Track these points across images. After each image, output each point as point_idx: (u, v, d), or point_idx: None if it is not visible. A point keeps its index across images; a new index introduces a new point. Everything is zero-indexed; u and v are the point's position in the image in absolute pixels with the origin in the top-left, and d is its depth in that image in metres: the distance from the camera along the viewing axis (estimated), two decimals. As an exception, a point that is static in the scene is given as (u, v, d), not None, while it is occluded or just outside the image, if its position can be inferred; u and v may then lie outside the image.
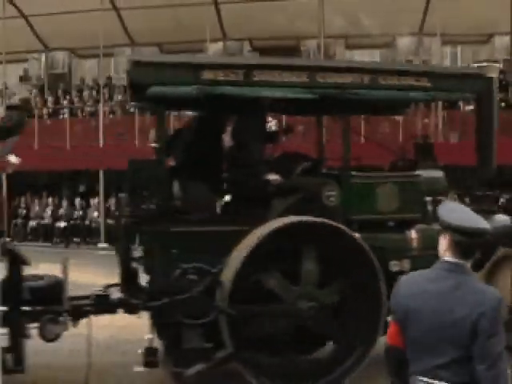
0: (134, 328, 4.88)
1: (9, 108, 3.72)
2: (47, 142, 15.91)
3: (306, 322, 4.12)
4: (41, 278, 4.45)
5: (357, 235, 4.25)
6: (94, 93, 17.50)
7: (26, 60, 20.69)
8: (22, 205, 16.46)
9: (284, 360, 4.16)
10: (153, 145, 4.23)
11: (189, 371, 3.98)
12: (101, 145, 15.36)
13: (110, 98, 17.76)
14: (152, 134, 16.36)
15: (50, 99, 18.25)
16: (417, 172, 4.92)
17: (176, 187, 4.50)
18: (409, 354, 2.28)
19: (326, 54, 17.50)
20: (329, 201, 4.38)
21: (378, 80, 4.43)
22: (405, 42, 19.06)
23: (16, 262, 3.68)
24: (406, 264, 4.65)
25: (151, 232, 4.22)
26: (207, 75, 4.07)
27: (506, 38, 18.29)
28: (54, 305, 4.17)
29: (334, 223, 4.17)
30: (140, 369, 4.34)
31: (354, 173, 4.61)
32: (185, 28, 17.06)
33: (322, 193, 4.38)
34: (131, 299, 4.36)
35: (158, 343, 4.51)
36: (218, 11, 17.24)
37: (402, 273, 4.48)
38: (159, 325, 4.22)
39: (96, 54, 17.33)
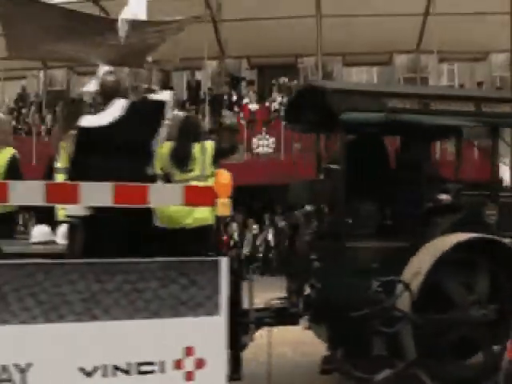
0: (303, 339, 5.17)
1: (224, 129, 3.91)
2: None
3: (479, 328, 4.48)
4: None
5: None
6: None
7: (24, 77, 20.52)
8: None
9: (457, 365, 4.48)
10: (331, 166, 4.50)
11: (378, 376, 4.27)
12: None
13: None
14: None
15: (48, 117, 17.95)
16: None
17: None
18: None
19: (324, 71, 17.61)
20: (489, 219, 4.71)
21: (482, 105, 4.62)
22: (402, 60, 19.07)
23: (237, 276, 3.91)
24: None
25: (337, 248, 4.47)
26: (392, 103, 4.40)
27: (503, 56, 18.07)
28: (240, 316, 4.43)
29: (503, 240, 4.51)
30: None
31: (502, 193, 4.97)
32: (183, 45, 17.10)
33: (483, 211, 4.76)
34: (303, 311, 4.65)
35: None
36: (216, 29, 16.97)
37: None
38: (337, 335, 4.48)
39: (94, 71, 17.03)
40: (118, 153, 3.51)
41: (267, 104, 17.77)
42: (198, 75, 20.21)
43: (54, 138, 4.44)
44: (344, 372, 4.37)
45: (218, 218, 3.51)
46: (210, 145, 4.48)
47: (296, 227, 4.60)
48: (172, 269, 3.56)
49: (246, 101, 17.96)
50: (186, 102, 18.96)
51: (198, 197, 3.62)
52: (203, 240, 4.18)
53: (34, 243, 4.62)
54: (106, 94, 3.81)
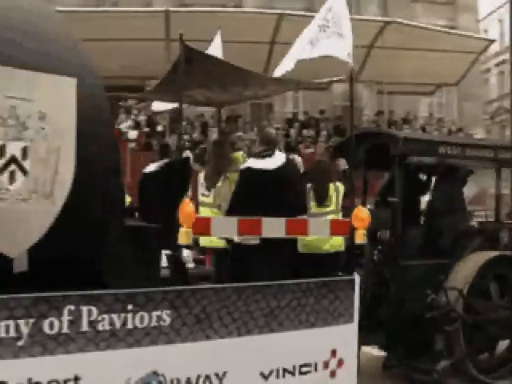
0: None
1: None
2: None
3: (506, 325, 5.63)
4: None
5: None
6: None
7: None
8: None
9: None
10: (390, 199, 5.41)
11: (439, 366, 5.21)
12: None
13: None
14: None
15: None
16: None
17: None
18: None
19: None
20: (503, 240, 5.94)
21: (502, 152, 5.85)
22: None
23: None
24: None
25: (394, 264, 5.35)
26: (442, 150, 5.47)
27: (343, 86, 18.41)
28: None
29: None
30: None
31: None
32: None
33: (499, 234, 5.99)
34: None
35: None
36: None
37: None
38: (399, 337, 5.36)
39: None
40: (283, 192, 4.14)
41: (115, 126, 17.18)
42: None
43: (208, 177, 4.85)
44: (406, 366, 5.32)
45: (354, 245, 4.28)
46: (341, 185, 5.25)
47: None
48: (324, 287, 4.26)
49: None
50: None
51: (340, 228, 4.40)
52: (338, 262, 4.90)
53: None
54: (268, 143, 4.41)
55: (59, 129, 3.30)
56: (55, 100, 3.32)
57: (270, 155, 4.39)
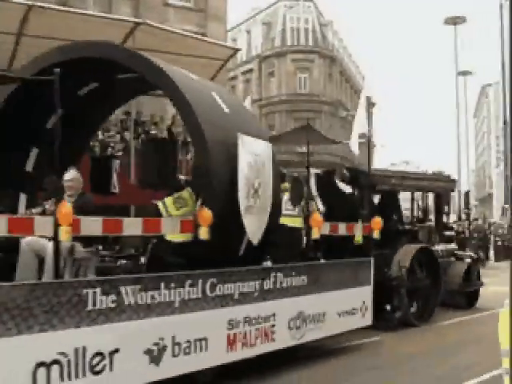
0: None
1: None
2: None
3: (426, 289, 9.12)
4: None
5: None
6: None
7: None
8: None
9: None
10: (364, 212, 8.45)
11: (396, 314, 8.48)
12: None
13: None
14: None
15: None
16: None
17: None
18: None
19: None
20: (420, 238, 9.54)
21: (421, 181, 9.83)
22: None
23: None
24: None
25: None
26: (394, 181, 8.84)
27: None
28: None
29: (429, 246, 9.36)
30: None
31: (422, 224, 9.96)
32: None
33: (419, 234, 9.51)
34: None
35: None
36: None
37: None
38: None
39: None
40: (351, 208, 7.08)
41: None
42: None
43: (293, 200, 7.22)
44: (379, 316, 8.49)
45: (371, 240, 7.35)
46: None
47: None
48: (358, 264, 7.27)
49: None
50: None
51: (366, 229, 7.47)
52: (360, 250, 7.75)
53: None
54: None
55: (267, 170, 5.85)
56: (265, 155, 5.87)
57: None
